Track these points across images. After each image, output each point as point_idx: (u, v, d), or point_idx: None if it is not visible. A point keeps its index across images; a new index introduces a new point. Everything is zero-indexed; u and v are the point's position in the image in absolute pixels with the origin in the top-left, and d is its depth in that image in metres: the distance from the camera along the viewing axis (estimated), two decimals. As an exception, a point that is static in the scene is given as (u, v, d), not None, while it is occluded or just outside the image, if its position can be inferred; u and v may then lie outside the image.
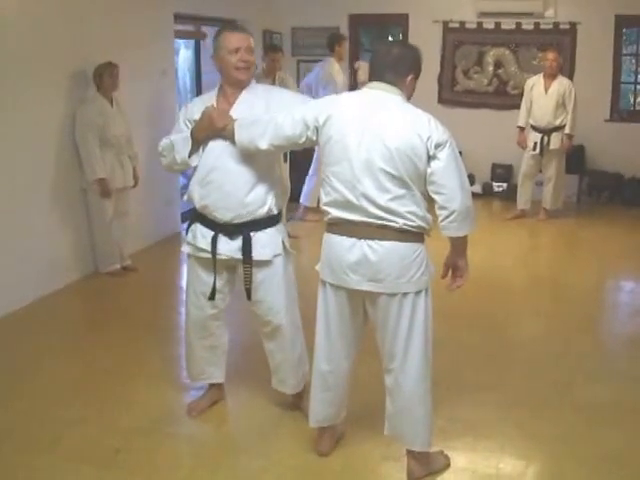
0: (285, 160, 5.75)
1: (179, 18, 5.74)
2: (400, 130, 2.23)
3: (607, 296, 4.81)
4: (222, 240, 2.65)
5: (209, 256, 2.68)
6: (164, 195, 5.73)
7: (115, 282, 4.71)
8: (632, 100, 7.44)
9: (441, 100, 7.41)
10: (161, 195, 5.67)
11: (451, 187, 2.24)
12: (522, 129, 6.32)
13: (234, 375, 3.13)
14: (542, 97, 6.15)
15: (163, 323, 4.04)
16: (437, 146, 2.22)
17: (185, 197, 2.75)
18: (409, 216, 2.27)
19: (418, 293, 2.34)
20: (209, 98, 2.71)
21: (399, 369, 2.40)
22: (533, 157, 6.30)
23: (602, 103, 6.99)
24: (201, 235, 2.69)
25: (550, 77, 6.16)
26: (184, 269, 5.23)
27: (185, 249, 2.77)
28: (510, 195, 7.07)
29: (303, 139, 2.39)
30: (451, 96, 7.10)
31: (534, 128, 6.24)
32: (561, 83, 6.13)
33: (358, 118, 2.28)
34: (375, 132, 2.25)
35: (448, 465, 2.58)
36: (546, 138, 6.16)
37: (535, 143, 6.21)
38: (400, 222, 2.26)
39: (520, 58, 7.22)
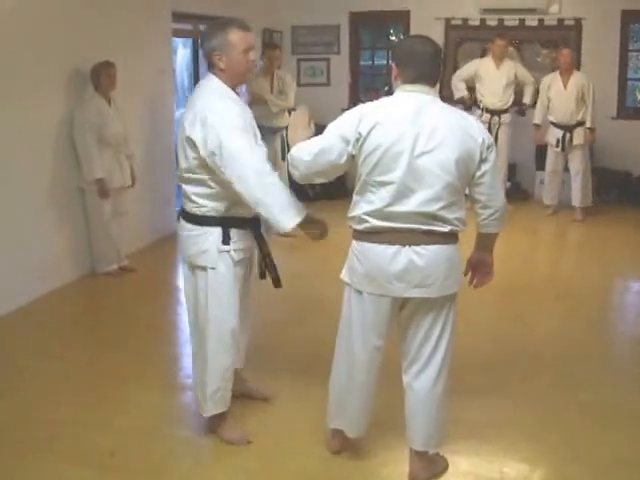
0: (283, 159, 5.67)
1: (177, 17, 5.70)
2: (456, 136, 2.19)
3: (614, 297, 4.74)
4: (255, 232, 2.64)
5: (249, 253, 2.64)
6: (161, 195, 5.68)
7: (112, 282, 4.66)
8: (639, 97, 7.34)
9: (443, 98, 7.23)
10: (158, 195, 5.62)
11: (496, 186, 2.28)
12: (538, 126, 6.33)
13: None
14: (562, 93, 6.18)
15: (161, 324, 4.00)
16: (488, 147, 2.24)
17: (224, 206, 2.53)
18: (455, 222, 2.25)
19: (454, 295, 2.33)
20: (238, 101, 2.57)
21: (422, 370, 2.36)
22: (557, 154, 6.30)
23: (609, 100, 6.87)
24: (240, 237, 2.58)
25: (567, 73, 6.18)
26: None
27: (235, 256, 2.56)
28: (513, 194, 6.94)
29: (344, 158, 2.24)
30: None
31: (555, 125, 6.26)
32: (578, 77, 6.15)
33: (409, 125, 2.18)
34: (431, 139, 2.17)
35: (447, 467, 2.52)
36: (568, 134, 6.15)
37: (558, 140, 6.21)
38: (447, 228, 2.23)
39: (524, 55, 7.13)
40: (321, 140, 2.29)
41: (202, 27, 6.34)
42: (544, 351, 3.58)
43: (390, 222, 2.21)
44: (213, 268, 2.53)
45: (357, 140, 2.21)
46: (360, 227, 2.28)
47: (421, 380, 2.36)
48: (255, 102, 5.60)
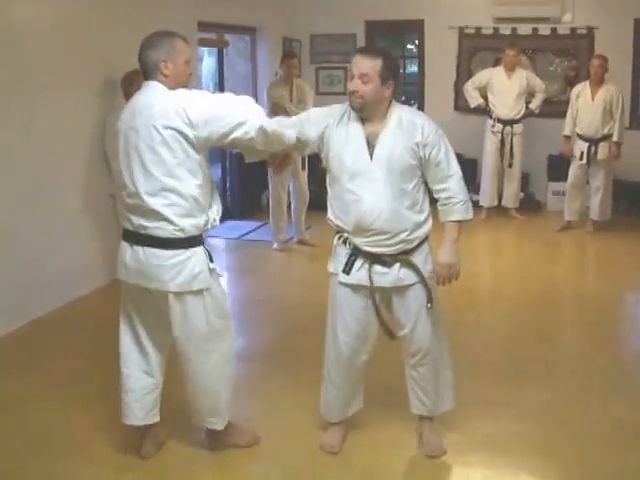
0: (303, 168, 5.69)
1: (203, 26, 5.79)
2: None
3: (626, 310, 4.66)
4: None
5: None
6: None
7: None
8: (652, 107, 7.32)
9: (457, 107, 7.34)
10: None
11: None
12: (568, 138, 6.12)
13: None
14: (589, 105, 5.93)
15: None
16: None
17: (203, 221, 2.47)
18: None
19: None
20: None
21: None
22: (580, 167, 6.09)
23: (621, 110, 6.84)
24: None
25: (596, 84, 5.94)
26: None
27: (219, 271, 2.60)
28: (525, 204, 6.88)
29: None
30: (468, 103, 7.01)
31: (581, 137, 6.02)
32: (608, 90, 5.89)
33: None
34: None
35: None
36: (593, 147, 5.93)
37: (582, 152, 5.99)
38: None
39: (537, 64, 7.12)
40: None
41: (226, 36, 6.46)
42: (555, 364, 3.57)
43: None
44: (208, 289, 2.46)
45: None
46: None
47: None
48: (275, 111, 5.67)
